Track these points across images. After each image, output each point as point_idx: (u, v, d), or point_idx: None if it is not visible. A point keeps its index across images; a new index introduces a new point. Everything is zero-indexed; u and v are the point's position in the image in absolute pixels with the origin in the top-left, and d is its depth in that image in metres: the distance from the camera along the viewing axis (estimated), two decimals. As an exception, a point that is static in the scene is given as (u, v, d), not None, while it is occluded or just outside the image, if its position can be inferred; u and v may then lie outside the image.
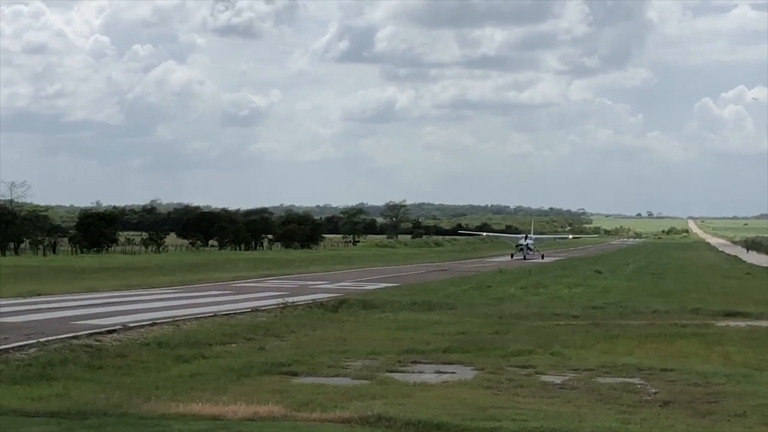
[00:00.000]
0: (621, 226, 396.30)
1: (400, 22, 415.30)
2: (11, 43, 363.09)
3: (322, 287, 57.04)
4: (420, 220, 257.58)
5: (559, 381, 22.70)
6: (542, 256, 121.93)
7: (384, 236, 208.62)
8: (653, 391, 21.50)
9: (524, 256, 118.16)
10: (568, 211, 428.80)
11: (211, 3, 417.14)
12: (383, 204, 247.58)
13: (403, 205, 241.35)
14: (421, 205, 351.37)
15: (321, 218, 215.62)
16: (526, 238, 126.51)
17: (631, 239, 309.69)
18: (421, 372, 23.85)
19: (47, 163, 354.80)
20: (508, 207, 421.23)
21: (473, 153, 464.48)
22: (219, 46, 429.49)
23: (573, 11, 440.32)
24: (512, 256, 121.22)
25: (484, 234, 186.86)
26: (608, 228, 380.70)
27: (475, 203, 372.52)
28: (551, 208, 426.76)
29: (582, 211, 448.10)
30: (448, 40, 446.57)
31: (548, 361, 25.90)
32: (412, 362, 25.41)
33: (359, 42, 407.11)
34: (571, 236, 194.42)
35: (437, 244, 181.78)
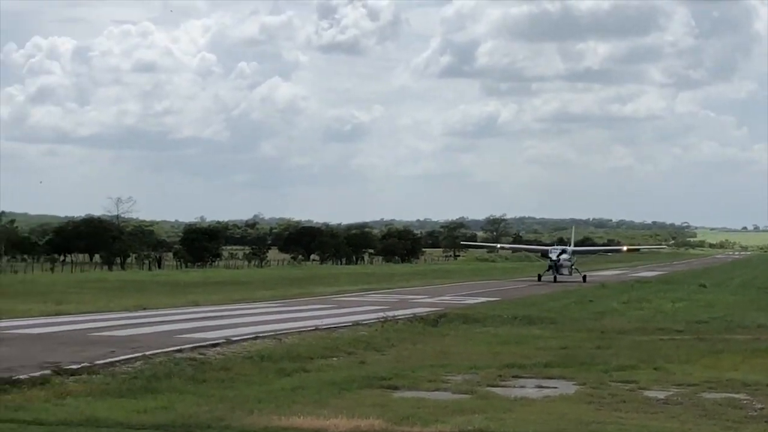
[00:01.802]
0: (726, 240, 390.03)
1: (502, 36, 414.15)
2: (121, 62, 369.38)
3: (423, 301, 57.04)
4: (521, 234, 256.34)
5: (662, 396, 22.44)
6: (583, 278, 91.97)
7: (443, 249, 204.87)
8: (759, 406, 21.15)
9: (555, 277, 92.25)
10: (672, 225, 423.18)
11: (315, 21, 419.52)
12: (484, 218, 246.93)
13: (504, 219, 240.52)
14: (522, 219, 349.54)
15: (421, 232, 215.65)
16: (556, 252, 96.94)
17: (736, 253, 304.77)
18: (522, 387, 23.73)
19: (153, 179, 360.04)
20: (611, 221, 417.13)
21: (575, 166, 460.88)
22: (322, 63, 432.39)
23: (678, 24, 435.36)
24: (539, 277, 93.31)
25: (498, 246, 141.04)
26: (713, 241, 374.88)
27: (577, 217, 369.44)
28: (654, 222, 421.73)
29: (686, 224, 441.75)
30: (551, 54, 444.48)
31: (651, 376, 25.61)
32: (513, 377, 25.30)
33: (460, 57, 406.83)
34: (625, 248, 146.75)
35: (538, 259, 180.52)
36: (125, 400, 20.25)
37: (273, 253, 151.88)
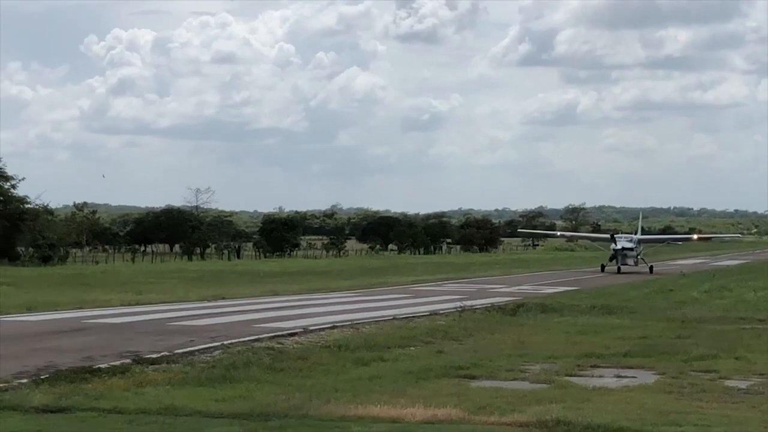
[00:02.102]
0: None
1: (581, 24, 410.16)
2: (200, 53, 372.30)
3: (501, 291, 56.88)
4: (600, 223, 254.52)
5: (743, 386, 22.13)
6: (650, 269, 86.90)
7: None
8: (843, 397, 20.77)
9: (618, 267, 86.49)
10: (755, 213, 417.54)
11: (393, 11, 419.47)
12: (563, 207, 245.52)
13: (583, 208, 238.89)
14: (601, 208, 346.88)
15: (500, 222, 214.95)
16: (621, 240, 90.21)
17: None
18: (600, 376, 23.53)
19: (232, 170, 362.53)
20: (692, 209, 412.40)
21: (655, 154, 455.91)
22: (400, 52, 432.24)
23: (760, 10, 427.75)
24: (603, 268, 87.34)
25: (559, 234, 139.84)
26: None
27: (657, 206, 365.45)
28: (736, 210, 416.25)
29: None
30: (631, 41, 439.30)
31: (732, 365, 25.28)
32: (591, 366, 25.11)
33: (539, 45, 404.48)
34: (695, 236, 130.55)
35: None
36: (203, 389, 20.39)
37: (351, 243, 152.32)
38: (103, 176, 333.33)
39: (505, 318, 38.97)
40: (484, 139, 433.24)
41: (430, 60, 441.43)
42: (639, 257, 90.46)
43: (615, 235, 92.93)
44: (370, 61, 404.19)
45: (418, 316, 38.80)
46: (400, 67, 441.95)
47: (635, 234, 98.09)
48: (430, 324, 35.98)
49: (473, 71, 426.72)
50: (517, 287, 60.57)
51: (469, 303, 44.04)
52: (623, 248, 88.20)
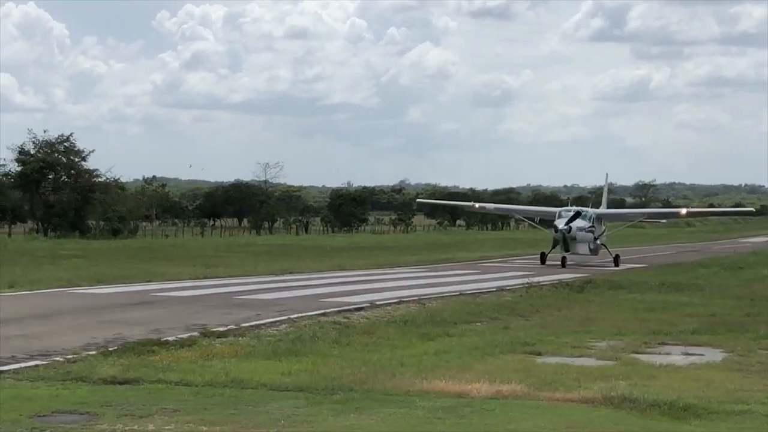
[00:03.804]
0: None
1: (655, 0, 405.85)
2: (273, 29, 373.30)
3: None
4: (670, 200, 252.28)
5: (813, 365, 21.85)
6: (616, 259, 62.53)
7: None
8: None
9: (563, 259, 60.37)
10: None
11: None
12: (632, 184, 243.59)
13: (653, 185, 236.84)
14: (671, 185, 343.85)
15: (569, 198, 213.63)
16: (566, 218, 62.27)
17: None
18: (667, 354, 23.35)
19: (302, 145, 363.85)
20: (763, 186, 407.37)
21: (727, 131, 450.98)
22: (472, 28, 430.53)
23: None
24: (543, 257, 62.75)
25: (477, 205, 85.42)
26: None
27: (728, 183, 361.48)
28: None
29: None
30: (705, 17, 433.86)
31: (802, 344, 24.97)
32: (658, 344, 24.91)
33: (611, 20, 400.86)
34: (684, 211, 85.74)
35: (688, 225, 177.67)
36: (270, 362, 20.50)
37: (419, 219, 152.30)
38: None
39: (572, 294, 38.80)
40: (555, 115, 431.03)
41: (501, 36, 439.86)
42: (598, 242, 64.09)
43: (559, 210, 65.99)
44: (441, 37, 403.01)
45: (485, 292, 38.76)
46: (472, 43, 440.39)
47: (588, 209, 66.98)
48: (496, 300, 35.93)
49: (545, 47, 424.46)
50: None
51: (536, 279, 43.90)
52: (570, 229, 60.86)
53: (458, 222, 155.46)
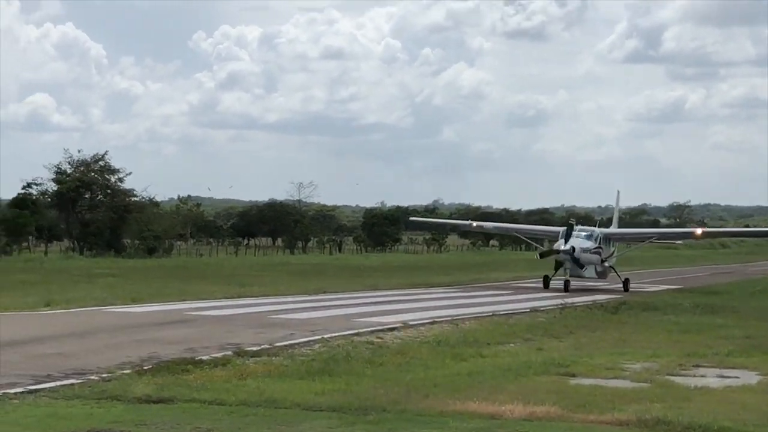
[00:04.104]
0: None
1: (689, 21, 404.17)
2: (309, 49, 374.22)
3: (602, 288, 56.38)
4: (705, 221, 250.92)
5: None
6: (625, 284, 57.50)
7: None
8: None
9: (565, 283, 55.31)
10: None
11: (501, 7, 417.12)
12: (667, 205, 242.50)
13: (688, 206, 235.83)
14: (707, 206, 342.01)
15: (602, 219, 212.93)
16: (566, 237, 56.47)
17: None
18: (702, 376, 23.22)
19: (336, 164, 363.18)
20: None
21: (763, 152, 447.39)
22: (507, 48, 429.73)
23: None
24: (546, 281, 57.72)
25: (475, 224, 79.82)
26: None
27: (764, 204, 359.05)
28: None
29: None
30: (740, 38, 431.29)
31: (839, 367, 24.77)
32: (693, 366, 24.78)
33: (646, 41, 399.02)
34: (699, 231, 79.78)
35: (723, 246, 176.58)
36: (303, 382, 20.54)
37: (452, 239, 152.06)
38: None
39: (606, 316, 38.68)
40: (589, 135, 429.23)
41: (536, 56, 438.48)
42: (606, 264, 59.42)
43: (562, 230, 59.18)
44: (476, 57, 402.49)
45: (518, 313, 38.71)
46: (506, 64, 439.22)
47: (596, 228, 62.14)
48: (530, 321, 35.87)
49: (579, 68, 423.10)
50: (619, 285, 60.00)
51: (570, 300, 43.79)
52: (573, 249, 56.02)
53: (491, 242, 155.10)
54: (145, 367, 21.79)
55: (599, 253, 58.00)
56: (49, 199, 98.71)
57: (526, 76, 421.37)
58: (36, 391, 18.86)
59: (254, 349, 25.38)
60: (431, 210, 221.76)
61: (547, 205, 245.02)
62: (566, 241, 55.87)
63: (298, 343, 26.95)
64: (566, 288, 54.14)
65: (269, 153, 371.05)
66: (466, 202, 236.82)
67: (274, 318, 34.32)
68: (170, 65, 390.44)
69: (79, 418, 16.45)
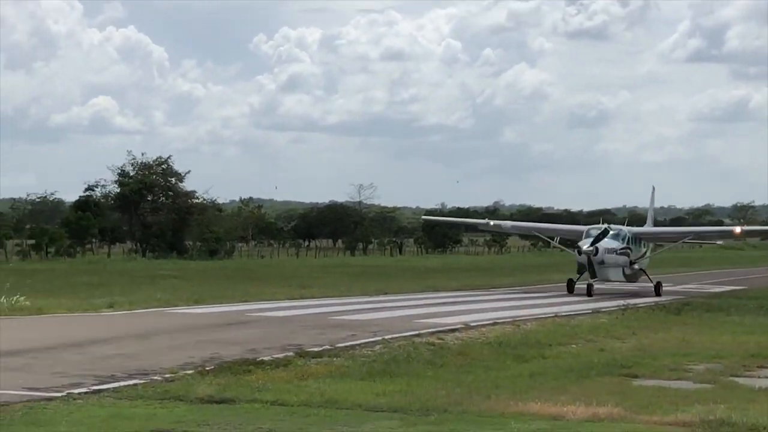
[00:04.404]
0: None
1: (753, 19, 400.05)
2: (369, 50, 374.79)
3: (665, 289, 55.89)
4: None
5: None
6: (657, 287, 53.28)
7: None
8: None
9: (588, 287, 50.82)
10: None
11: (563, 7, 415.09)
12: (730, 205, 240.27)
13: (752, 206, 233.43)
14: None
15: (665, 219, 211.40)
16: (591, 237, 53.12)
17: None
18: (767, 377, 22.97)
19: (396, 166, 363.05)
20: None
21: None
22: (568, 49, 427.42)
23: None
24: (570, 285, 52.93)
25: (492, 223, 71.92)
26: None
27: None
28: None
29: None
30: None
31: None
32: (758, 367, 24.52)
33: (709, 41, 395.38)
34: (738, 229, 74.07)
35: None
36: (364, 383, 20.55)
37: (513, 240, 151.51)
38: (276, 188, 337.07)
39: (669, 317, 38.35)
40: (651, 135, 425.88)
41: (598, 56, 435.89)
42: (635, 266, 55.19)
43: (590, 228, 55.76)
44: (537, 58, 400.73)
45: (581, 314, 38.50)
46: (568, 64, 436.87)
47: (623, 227, 56.79)
48: (592, 322, 35.65)
49: (641, 68, 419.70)
50: (682, 286, 59.50)
51: (632, 301, 43.49)
52: (596, 250, 51.57)
53: (552, 244, 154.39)
54: (208, 368, 21.91)
55: (627, 254, 54.13)
56: (112, 202, 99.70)
57: (588, 76, 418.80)
58: (100, 391, 19.04)
59: (315, 350, 25.44)
60: (492, 211, 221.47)
61: (609, 206, 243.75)
62: (593, 242, 52.05)
63: (359, 344, 26.98)
64: (589, 292, 50.08)
65: (329, 155, 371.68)
66: (527, 203, 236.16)
67: (335, 319, 34.40)
68: (231, 68, 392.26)
69: (142, 419, 16.58)
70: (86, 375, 20.88)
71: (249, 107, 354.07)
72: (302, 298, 43.87)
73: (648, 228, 64.82)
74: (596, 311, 39.66)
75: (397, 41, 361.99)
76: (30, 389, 19.01)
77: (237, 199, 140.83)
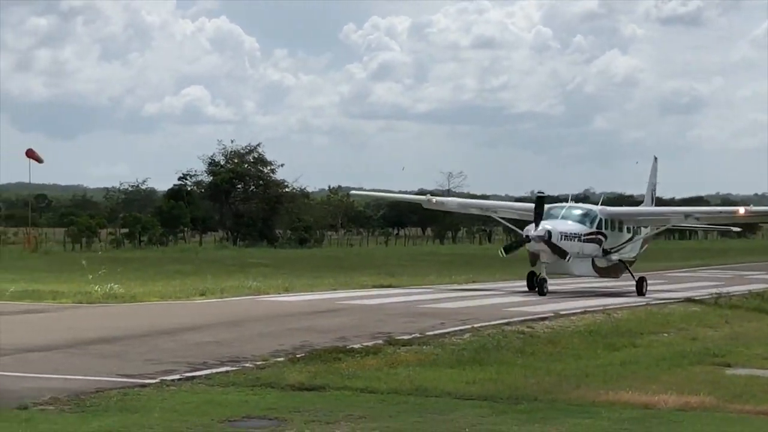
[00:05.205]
0: None
1: None
2: (459, 38, 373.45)
3: (759, 278, 55.15)
4: None
5: None
6: (640, 285, 43.01)
7: None
8: None
9: (539, 282, 40.73)
10: None
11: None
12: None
13: None
14: None
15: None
16: (548, 219, 41.46)
17: None
18: None
19: (485, 154, 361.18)
20: None
21: None
22: (660, 35, 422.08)
23: None
24: (530, 281, 42.69)
25: (427, 198, 57.35)
26: None
27: None
28: None
29: None
30: None
31: None
32: None
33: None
34: (742, 210, 47.18)
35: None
36: (453, 371, 20.57)
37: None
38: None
39: (763, 305, 37.81)
40: (745, 122, 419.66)
41: (691, 43, 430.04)
42: (614, 257, 44.36)
43: (553, 207, 43.96)
44: (629, 44, 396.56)
45: (672, 302, 38.11)
46: (660, 50, 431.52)
47: (591, 205, 46.59)
48: (684, 310, 35.31)
49: (735, 54, 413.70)
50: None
51: (725, 290, 42.91)
52: (549, 234, 40.60)
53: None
54: (298, 356, 22.05)
55: (598, 242, 42.98)
56: (203, 191, 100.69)
57: (681, 62, 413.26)
58: (192, 378, 19.26)
59: (405, 338, 25.47)
60: (582, 199, 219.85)
61: (702, 193, 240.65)
62: (537, 225, 40.85)
63: (448, 333, 26.97)
64: (541, 290, 40.06)
65: (419, 143, 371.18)
66: (618, 190, 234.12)
67: (424, 307, 34.42)
68: (322, 57, 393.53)
69: (234, 405, 16.75)
70: (179, 362, 21.12)
71: (339, 96, 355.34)
72: (391, 286, 43.93)
73: (627, 208, 54.91)
74: (688, 299, 39.23)
75: (488, 29, 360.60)
76: (124, 376, 19.31)
77: (326, 187, 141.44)
